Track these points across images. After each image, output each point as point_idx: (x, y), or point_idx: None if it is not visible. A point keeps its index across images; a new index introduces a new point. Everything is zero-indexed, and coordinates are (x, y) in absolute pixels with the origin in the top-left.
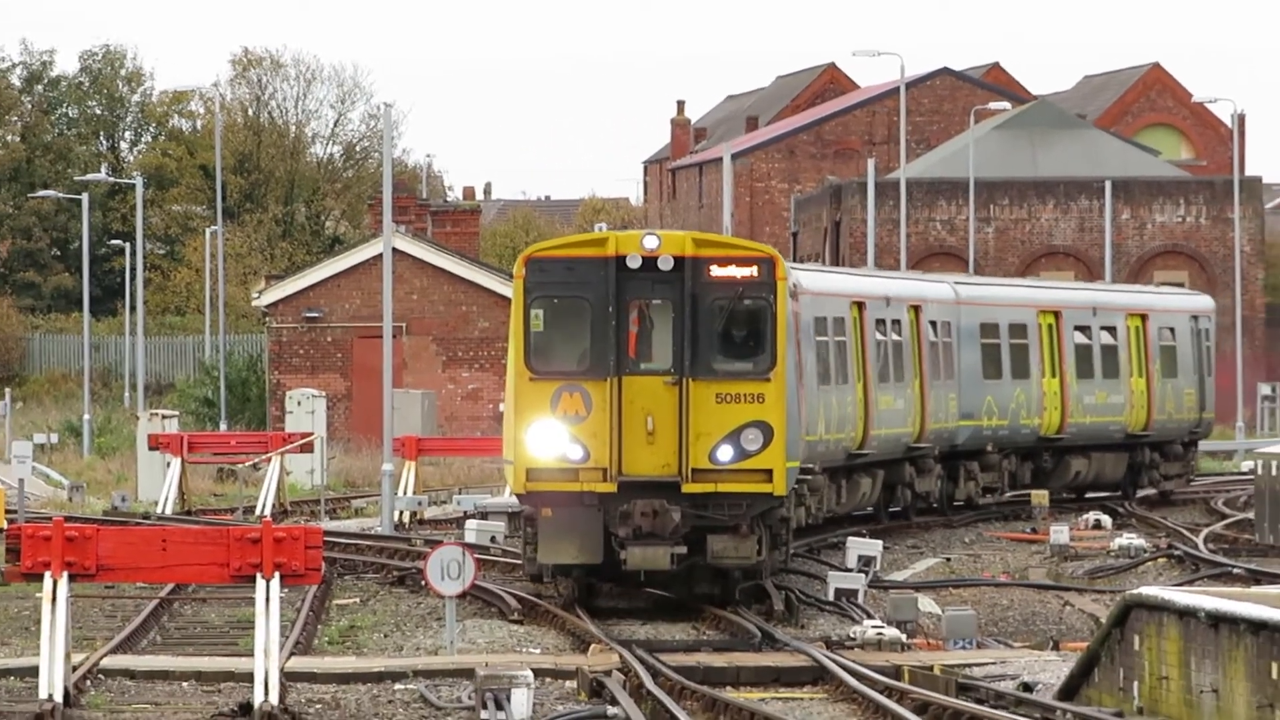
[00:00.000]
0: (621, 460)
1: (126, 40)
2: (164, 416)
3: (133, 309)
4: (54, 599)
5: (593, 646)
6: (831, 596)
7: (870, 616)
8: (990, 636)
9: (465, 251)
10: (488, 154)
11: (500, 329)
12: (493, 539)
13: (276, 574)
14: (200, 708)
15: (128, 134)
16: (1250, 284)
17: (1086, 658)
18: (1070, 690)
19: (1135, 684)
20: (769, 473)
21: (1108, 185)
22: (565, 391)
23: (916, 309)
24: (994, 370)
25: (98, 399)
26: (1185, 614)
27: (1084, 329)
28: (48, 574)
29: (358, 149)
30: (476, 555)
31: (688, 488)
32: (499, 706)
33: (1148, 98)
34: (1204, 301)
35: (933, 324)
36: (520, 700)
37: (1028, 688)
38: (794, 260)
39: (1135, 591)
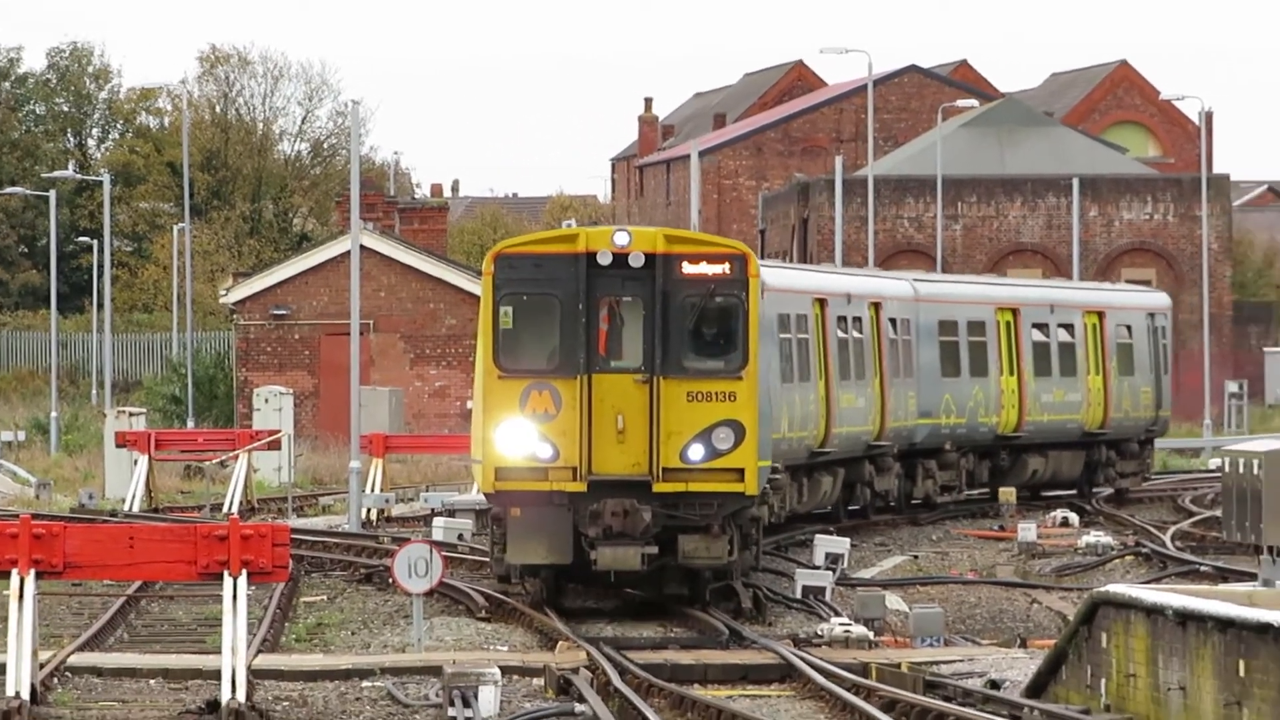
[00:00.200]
0: (591, 459)
1: (94, 37)
2: (131, 414)
3: (100, 306)
4: (21, 596)
5: (560, 644)
6: (799, 594)
7: (838, 614)
8: (958, 634)
9: (433, 249)
10: (455, 151)
11: (468, 326)
12: (460, 536)
13: (244, 571)
14: (168, 705)
15: (95, 131)
16: (1218, 281)
17: (1054, 655)
18: (1038, 688)
19: (1103, 681)
20: (740, 472)
21: (1075, 183)
22: (534, 390)
23: (877, 306)
24: (952, 368)
25: (65, 396)
26: (1153, 612)
27: (1042, 326)
28: (15, 571)
29: (325, 146)
30: (444, 553)
31: (658, 487)
32: (466, 704)
33: (1115, 95)
34: (1160, 299)
35: (892, 321)
36: (488, 698)
37: (995, 685)
38: (762, 258)
39: (1103, 589)
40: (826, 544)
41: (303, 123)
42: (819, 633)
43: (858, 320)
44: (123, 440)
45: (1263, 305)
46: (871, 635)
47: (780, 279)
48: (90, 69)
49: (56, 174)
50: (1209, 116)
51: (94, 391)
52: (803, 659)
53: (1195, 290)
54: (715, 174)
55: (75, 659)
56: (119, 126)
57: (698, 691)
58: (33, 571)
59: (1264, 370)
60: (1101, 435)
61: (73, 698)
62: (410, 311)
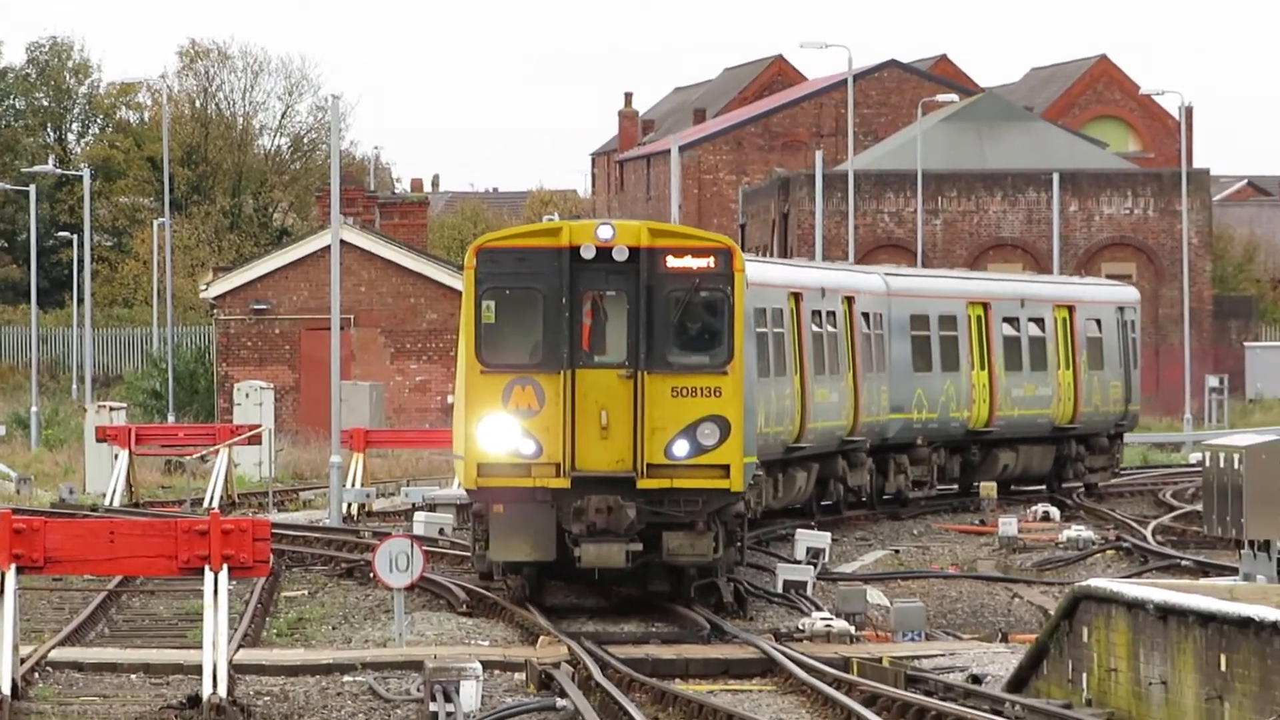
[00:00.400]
0: (575, 455)
1: (74, 32)
2: (112, 409)
3: (80, 301)
4: (1, 591)
5: (541, 639)
6: (780, 588)
7: (819, 608)
8: (939, 628)
9: (413, 243)
10: (435, 146)
11: (448, 321)
12: (441, 531)
13: (225, 566)
14: (149, 700)
15: (75, 126)
16: (1198, 276)
17: (1035, 650)
18: (1019, 682)
19: (1084, 676)
20: (726, 468)
21: (1055, 177)
22: (517, 385)
23: (850, 300)
24: (924, 363)
25: (45, 391)
26: (1134, 606)
27: (1012, 320)
28: None
29: (305, 141)
30: (425, 547)
31: (643, 483)
32: (448, 698)
33: (1095, 90)
34: (1129, 293)
35: (865, 315)
36: (469, 692)
37: (976, 679)
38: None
39: (1084, 584)
40: (808, 539)
41: (283, 117)
42: (800, 627)
43: (832, 314)
44: (103, 435)
45: (1243, 300)
46: (853, 630)
47: (757, 273)
48: (70, 64)
49: (36, 169)
50: (1189, 111)
51: (74, 386)
52: (784, 654)
53: (1175, 285)
54: (695, 169)
55: (56, 654)
56: (99, 121)
57: (679, 686)
58: (13, 566)
59: (1244, 365)
60: (1071, 430)
61: (54, 693)
62: (391, 306)
